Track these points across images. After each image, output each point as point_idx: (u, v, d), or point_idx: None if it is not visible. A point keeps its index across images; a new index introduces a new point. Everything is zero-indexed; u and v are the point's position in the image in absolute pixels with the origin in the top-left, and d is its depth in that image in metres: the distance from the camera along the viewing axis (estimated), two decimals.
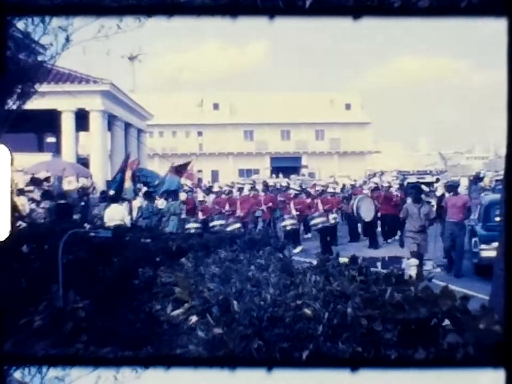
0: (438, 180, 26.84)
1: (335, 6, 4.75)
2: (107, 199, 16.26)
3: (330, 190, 20.02)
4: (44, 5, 4.71)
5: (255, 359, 4.62)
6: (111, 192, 16.31)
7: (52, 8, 4.91)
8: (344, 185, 26.94)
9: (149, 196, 18.21)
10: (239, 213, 18.49)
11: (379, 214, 19.25)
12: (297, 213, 18.84)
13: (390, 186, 20.13)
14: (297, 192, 20.07)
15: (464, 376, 4.31)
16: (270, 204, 19.57)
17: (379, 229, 19.64)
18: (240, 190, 20.68)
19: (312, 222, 18.46)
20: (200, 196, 19.58)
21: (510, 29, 4.83)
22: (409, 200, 13.91)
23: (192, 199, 18.62)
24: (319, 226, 18.13)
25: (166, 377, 4.37)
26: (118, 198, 15.90)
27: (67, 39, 9.48)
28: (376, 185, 20.88)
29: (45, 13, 6.56)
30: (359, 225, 19.90)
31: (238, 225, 17.66)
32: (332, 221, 18.33)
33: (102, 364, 4.42)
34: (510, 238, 4.98)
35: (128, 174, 18.92)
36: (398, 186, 21.15)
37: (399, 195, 19.75)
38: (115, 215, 14.56)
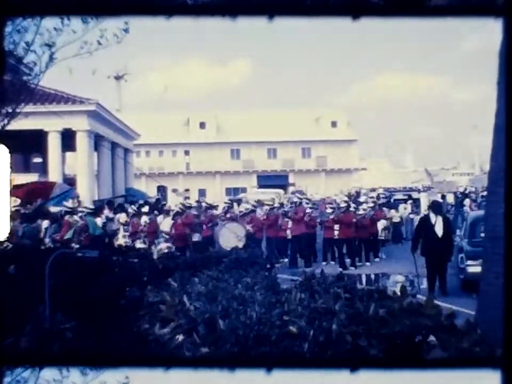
0: (410, 197, 26.14)
1: (335, 6, 4.73)
2: None
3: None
4: (43, 5, 4.70)
5: (255, 359, 4.60)
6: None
7: (51, 8, 4.90)
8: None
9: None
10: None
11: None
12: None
13: (348, 207, 17.49)
14: (179, 210, 17.27)
15: (463, 377, 4.31)
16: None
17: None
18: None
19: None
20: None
21: (509, 28, 4.86)
22: None
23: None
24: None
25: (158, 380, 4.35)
26: None
27: (51, 57, 9.43)
28: (253, 208, 18.43)
29: (44, 13, 6.51)
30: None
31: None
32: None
33: (101, 364, 4.36)
34: (510, 237, 4.96)
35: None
36: (371, 205, 19.19)
37: (366, 217, 17.62)
38: None
